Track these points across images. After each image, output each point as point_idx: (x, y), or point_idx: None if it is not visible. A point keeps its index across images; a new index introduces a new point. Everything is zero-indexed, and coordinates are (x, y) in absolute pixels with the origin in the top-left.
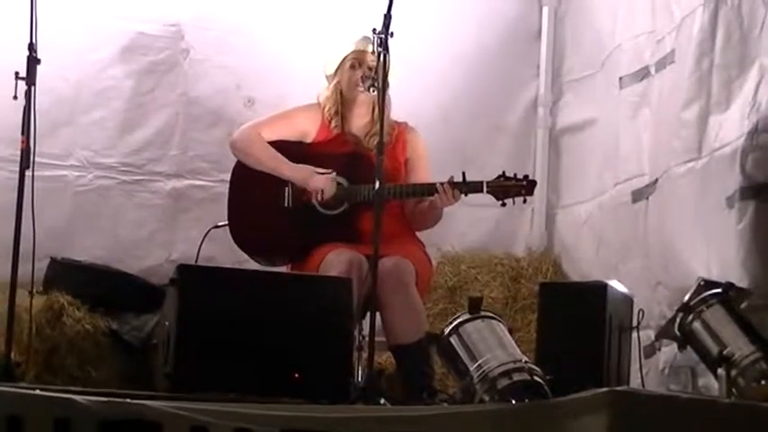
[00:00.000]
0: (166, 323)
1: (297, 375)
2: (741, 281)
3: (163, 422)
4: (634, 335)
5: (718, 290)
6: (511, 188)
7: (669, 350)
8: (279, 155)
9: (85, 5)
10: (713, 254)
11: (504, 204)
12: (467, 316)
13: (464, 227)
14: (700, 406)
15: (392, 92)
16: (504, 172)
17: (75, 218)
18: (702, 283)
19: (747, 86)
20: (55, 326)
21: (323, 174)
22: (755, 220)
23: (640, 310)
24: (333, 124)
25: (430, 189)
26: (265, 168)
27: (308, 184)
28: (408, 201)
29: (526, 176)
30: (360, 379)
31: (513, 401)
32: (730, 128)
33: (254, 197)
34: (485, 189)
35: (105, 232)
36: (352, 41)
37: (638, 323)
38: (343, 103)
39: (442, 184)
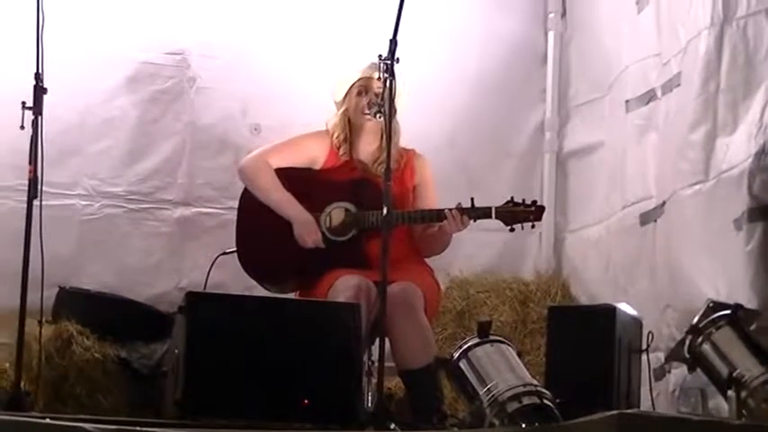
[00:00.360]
0: (176, 350)
1: (306, 401)
2: (750, 302)
3: None
4: (644, 357)
5: (727, 311)
6: (519, 213)
7: (679, 372)
8: (285, 191)
9: (91, 35)
10: (722, 276)
11: (512, 230)
12: (476, 340)
13: (472, 251)
14: (710, 428)
15: (399, 116)
16: (512, 197)
17: (82, 246)
18: (711, 304)
19: (754, 108)
20: (64, 354)
21: (316, 228)
22: (764, 241)
23: (650, 332)
24: (341, 151)
25: (438, 215)
26: (269, 202)
27: (301, 237)
28: (417, 227)
29: (534, 202)
30: (370, 404)
31: (524, 425)
32: (737, 150)
33: (262, 223)
34: (493, 215)
35: (113, 260)
36: (359, 69)
37: (648, 345)
38: (351, 130)
39: (450, 210)
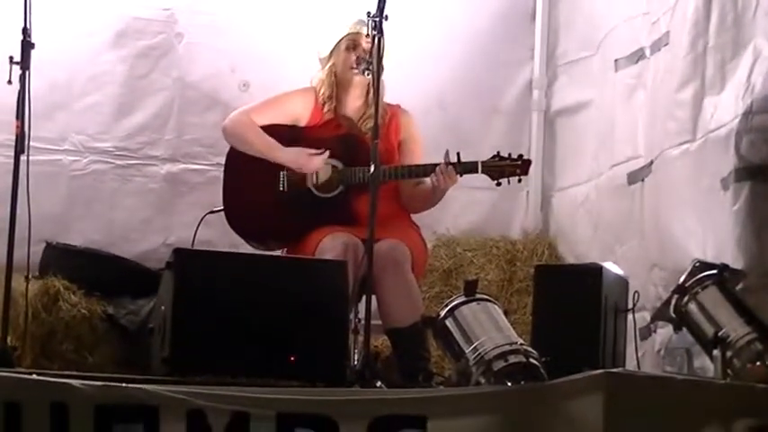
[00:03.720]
0: (162, 307)
1: (293, 359)
2: (736, 262)
3: (159, 406)
4: (629, 317)
5: (714, 271)
6: (506, 168)
7: (665, 332)
8: (271, 140)
9: None
10: (708, 235)
11: (499, 184)
12: (462, 299)
13: (459, 209)
14: (695, 387)
15: (387, 74)
16: (498, 152)
17: (70, 202)
18: (698, 264)
19: (742, 68)
20: (51, 310)
21: (316, 154)
22: (750, 201)
23: (636, 291)
24: (326, 108)
25: (425, 170)
26: (259, 154)
27: (303, 167)
28: (407, 183)
29: (521, 156)
30: (356, 362)
31: (509, 383)
32: (725, 109)
33: (248, 181)
34: (480, 169)
35: (101, 217)
36: (347, 24)
37: (634, 305)
38: (337, 85)
39: (438, 164)
